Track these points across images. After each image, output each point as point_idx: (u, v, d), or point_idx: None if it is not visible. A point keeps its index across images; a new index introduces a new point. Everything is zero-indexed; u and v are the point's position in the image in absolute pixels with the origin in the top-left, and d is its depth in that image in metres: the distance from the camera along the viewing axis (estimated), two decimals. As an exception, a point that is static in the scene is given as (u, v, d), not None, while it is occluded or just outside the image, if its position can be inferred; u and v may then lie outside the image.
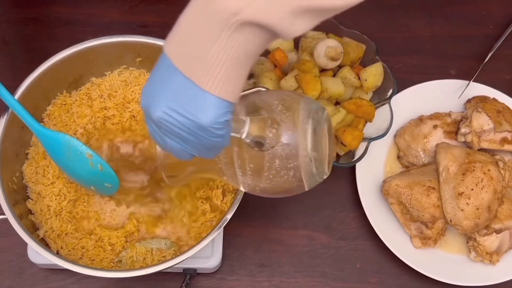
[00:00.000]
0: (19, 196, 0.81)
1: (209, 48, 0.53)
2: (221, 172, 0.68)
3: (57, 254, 0.77)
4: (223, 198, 0.83)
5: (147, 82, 0.58)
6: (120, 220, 0.82)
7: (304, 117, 0.64)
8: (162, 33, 0.88)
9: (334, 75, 0.95)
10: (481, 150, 0.93)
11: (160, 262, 0.74)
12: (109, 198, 0.82)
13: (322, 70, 0.95)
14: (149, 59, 0.88)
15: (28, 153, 0.84)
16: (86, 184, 0.80)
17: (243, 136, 0.61)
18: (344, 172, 0.95)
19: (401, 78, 0.98)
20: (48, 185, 0.82)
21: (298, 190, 0.67)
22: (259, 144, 0.63)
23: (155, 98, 0.56)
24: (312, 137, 0.64)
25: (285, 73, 0.94)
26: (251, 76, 0.97)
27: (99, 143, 0.85)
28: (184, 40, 0.54)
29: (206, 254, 0.85)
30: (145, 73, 0.90)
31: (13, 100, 0.74)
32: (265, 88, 0.84)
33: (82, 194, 0.83)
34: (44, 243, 0.79)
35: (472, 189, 0.86)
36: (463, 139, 0.94)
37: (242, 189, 0.69)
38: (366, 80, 0.94)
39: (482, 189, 0.86)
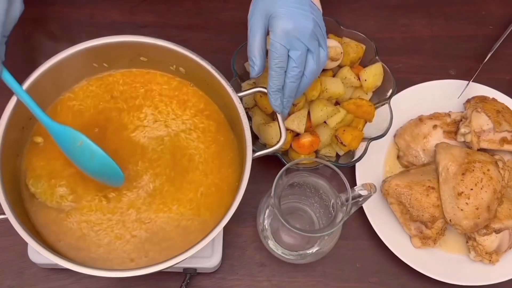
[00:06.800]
0: (19, 196, 0.81)
1: None
2: None
3: (57, 253, 0.77)
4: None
5: None
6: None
7: None
8: (162, 33, 0.89)
9: (334, 75, 0.96)
10: (481, 150, 0.93)
11: (161, 262, 0.74)
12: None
13: (322, 70, 0.95)
14: (150, 59, 0.88)
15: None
16: (94, 176, 0.80)
17: None
18: (344, 172, 0.95)
19: (401, 78, 0.98)
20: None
21: None
22: None
23: None
24: None
25: (285, 73, 0.94)
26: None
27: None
28: None
29: (206, 254, 0.85)
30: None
31: (23, 93, 0.76)
32: (265, 88, 0.84)
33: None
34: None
35: (472, 189, 0.86)
36: (462, 139, 0.94)
37: None
38: (366, 80, 0.94)
39: (481, 189, 0.86)
